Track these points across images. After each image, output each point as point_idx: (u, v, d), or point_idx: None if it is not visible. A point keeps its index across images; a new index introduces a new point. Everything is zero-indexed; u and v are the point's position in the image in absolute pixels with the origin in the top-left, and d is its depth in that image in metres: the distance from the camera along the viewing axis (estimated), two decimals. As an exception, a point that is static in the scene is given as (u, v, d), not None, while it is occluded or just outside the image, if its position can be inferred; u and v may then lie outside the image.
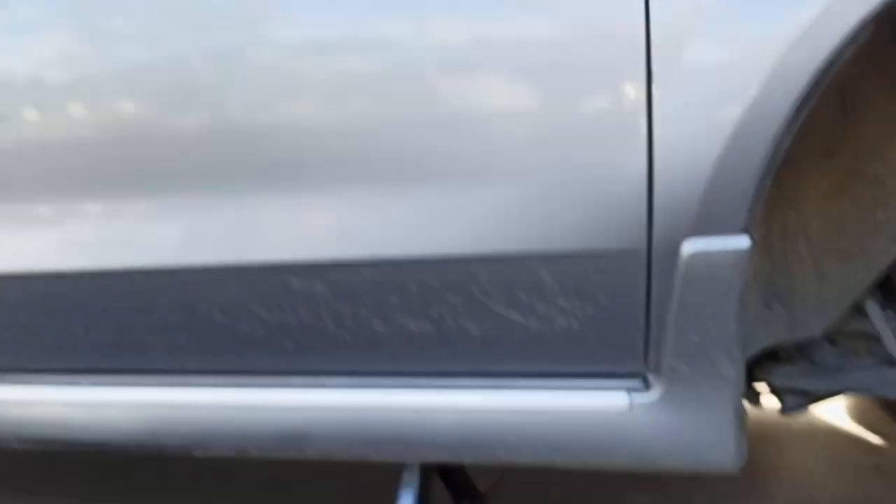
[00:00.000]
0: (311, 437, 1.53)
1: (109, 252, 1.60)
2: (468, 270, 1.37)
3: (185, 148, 1.52)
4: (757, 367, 1.80)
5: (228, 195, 1.49)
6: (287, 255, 1.46)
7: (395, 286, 1.42)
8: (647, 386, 1.34)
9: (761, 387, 1.90)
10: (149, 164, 1.54)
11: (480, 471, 1.79)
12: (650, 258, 1.26)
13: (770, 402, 1.95)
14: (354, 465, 2.69)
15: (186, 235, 1.55)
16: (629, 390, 1.33)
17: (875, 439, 2.70)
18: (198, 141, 1.51)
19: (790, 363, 1.76)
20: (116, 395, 1.71)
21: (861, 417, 2.93)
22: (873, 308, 1.64)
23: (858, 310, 1.68)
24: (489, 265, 1.35)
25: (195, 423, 1.64)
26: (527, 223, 1.33)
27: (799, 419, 2.91)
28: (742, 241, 1.19)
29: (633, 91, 1.25)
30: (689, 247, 1.22)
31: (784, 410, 1.84)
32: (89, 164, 1.58)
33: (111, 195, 1.59)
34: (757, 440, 2.74)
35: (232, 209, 1.50)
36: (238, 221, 1.50)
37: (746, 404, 2.00)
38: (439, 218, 1.38)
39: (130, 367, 1.70)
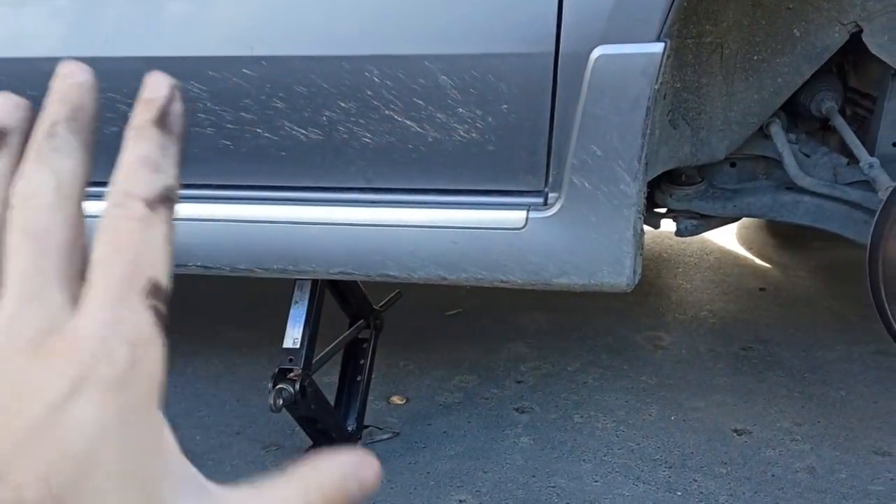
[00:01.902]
0: (192, 251, 1.44)
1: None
2: (361, 73, 1.25)
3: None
4: (656, 189, 1.79)
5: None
6: (154, 50, 1.30)
7: (281, 88, 1.29)
8: (546, 203, 1.28)
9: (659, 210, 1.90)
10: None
11: (376, 289, 1.75)
12: (557, 64, 1.17)
13: (666, 224, 1.96)
14: (253, 284, 2.64)
15: (40, 24, 1.36)
16: (527, 207, 1.27)
17: (761, 263, 2.81)
18: None
19: (688, 185, 1.75)
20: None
21: (749, 243, 3.03)
22: (777, 130, 1.62)
23: (763, 133, 1.66)
24: (385, 67, 1.23)
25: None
26: (426, 22, 1.20)
27: (691, 243, 2.99)
28: (655, 48, 1.11)
29: None
30: (600, 52, 1.13)
31: (679, 233, 1.85)
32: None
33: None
34: (649, 261, 2.82)
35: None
36: (99, 9, 1.31)
37: (644, 226, 2.02)
38: (330, 12, 1.24)
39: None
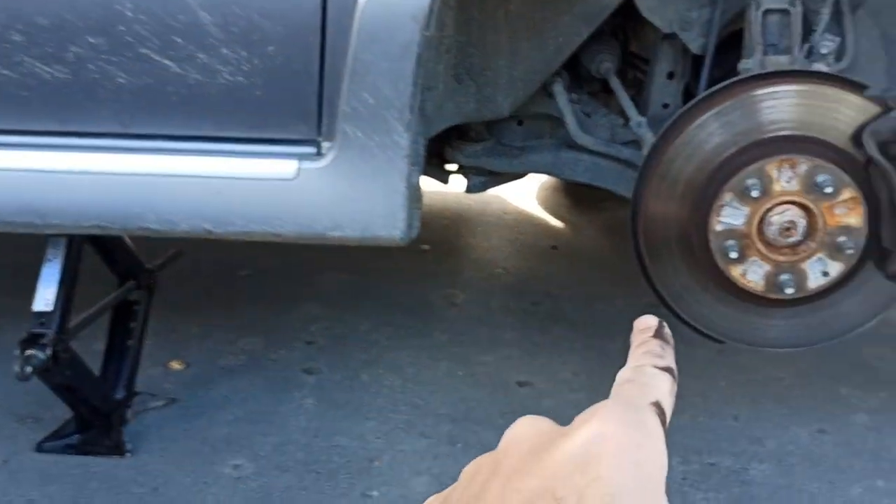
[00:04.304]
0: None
1: None
2: (111, 5, 1.13)
3: None
4: (446, 145, 1.78)
5: None
6: None
7: (19, 20, 1.15)
8: (319, 153, 1.22)
9: (450, 167, 1.90)
10: None
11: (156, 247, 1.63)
12: (326, 5, 1.11)
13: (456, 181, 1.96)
14: (14, 244, 2.40)
15: None
16: (299, 157, 1.21)
17: (555, 223, 2.91)
18: None
19: (477, 142, 1.76)
20: None
21: (546, 203, 3.13)
22: (559, 89, 1.65)
23: (547, 92, 1.68)
24: (138, 0, 1.12)
25: None
26: (183, -49, 1.10)
27: (490, 204, 3.05)
28: (425, -9, 1.08)
29: None
30: (368, -5, 1.08)
31: (469, 189, 1.86)
32: None
33: None
34: (450, 221, 2.84)
35: None
36: None
37: (437, 183, 2.01)
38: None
39: None
